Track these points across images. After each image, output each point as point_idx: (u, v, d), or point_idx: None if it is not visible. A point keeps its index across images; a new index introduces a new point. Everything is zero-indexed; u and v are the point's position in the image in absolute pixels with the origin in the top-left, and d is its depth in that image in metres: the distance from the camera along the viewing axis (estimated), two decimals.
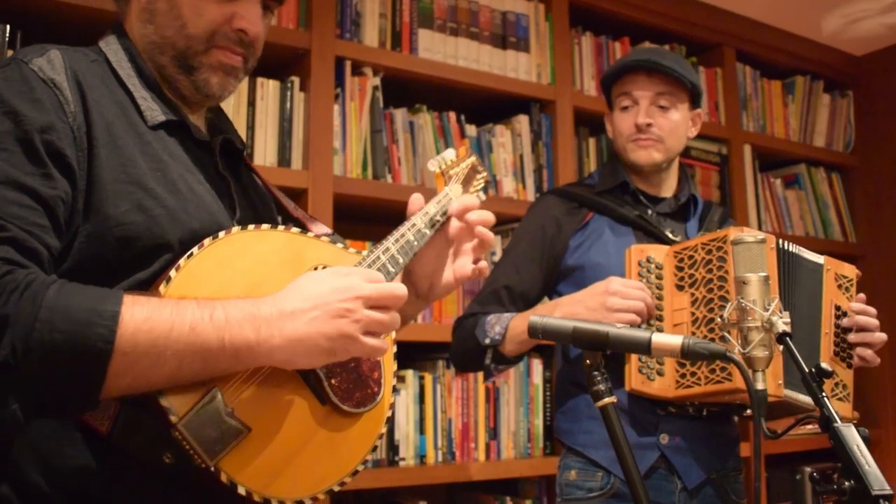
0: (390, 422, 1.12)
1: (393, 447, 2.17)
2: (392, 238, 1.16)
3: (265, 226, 1.05)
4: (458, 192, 1.30)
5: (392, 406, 1.13)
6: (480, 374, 2.32)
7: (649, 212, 1.81)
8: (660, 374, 1.57)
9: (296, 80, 2.19)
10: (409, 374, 2.24)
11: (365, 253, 1.13)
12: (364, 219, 2.41)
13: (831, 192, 3.41)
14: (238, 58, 1.13)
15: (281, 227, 1.07)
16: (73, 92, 0.98)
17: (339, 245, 1.12)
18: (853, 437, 1.00)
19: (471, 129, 2.47)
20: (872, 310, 1.65)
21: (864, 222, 3.42)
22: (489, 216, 1.24)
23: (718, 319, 1.50)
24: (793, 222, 3.23)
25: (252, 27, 1.11)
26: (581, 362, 1.73)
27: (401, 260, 1.15)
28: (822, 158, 3.34)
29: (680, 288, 1.60)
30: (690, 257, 1.60)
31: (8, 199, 0.90)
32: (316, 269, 1.05)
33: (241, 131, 2.09)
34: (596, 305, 1.56)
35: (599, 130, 2.76)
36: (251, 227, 1.04)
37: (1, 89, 0.95)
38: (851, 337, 1.62)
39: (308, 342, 0.94)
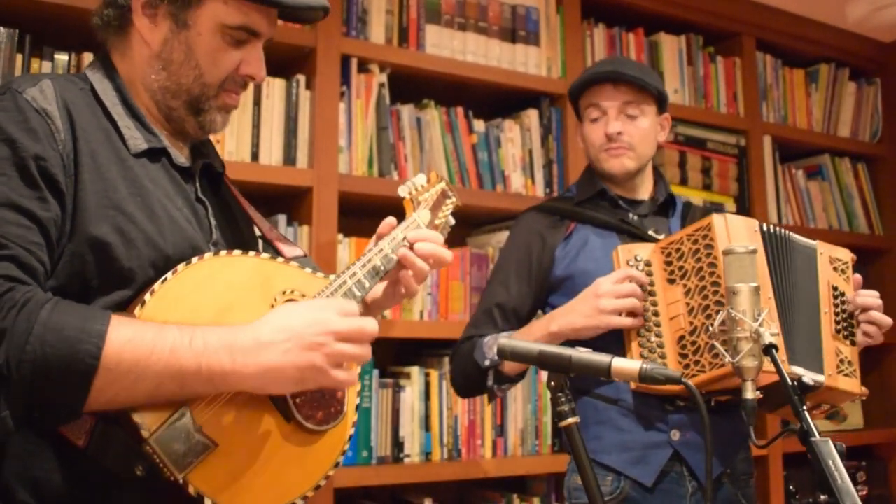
0: (358, 426, 1.15)
1: (398, 444, 2.14)
2: (359, 263, 1.20)
3: (236, 252, 1.09)
4: (427, 217, 1.33)
5: (355, 424, 1.16)
6: None
7: (630, 215, 1.78)
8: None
9: (301, 78, 2.15)
10: (415, 370, 2.20)
11: (332, 277, 1.16)
12: (370, 216, 2.37)
13: (857, 183, 3.26)
14: (238, 97, 1.20)
15: (252, 253, 1.11)
16: (63, 121, 1.03)
17: (308, 270, 1.15)
18: (829, 452, 0.99)
19: (479, 125, 2.41)
20: (874, 291, 1.62)
21: (890, 214, 3.27)
22: (432, 250, 1.26)
23: (715, 305, 1.46)
24: (815, 214, 3.11)
25: (259, 73, 1.17)
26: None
27: (367, 284, 1.19)
28: (846, 148, 3.20)
29: (671, 282, 1.57)
30: (678, 250, 1.57)
31: (8, 220, 0.96)
32: (284, 292, 1.10)
33: (247, 130, 2.06)
34: (589, 311, 1.54)
35: None
36: (223, 253, 1.08)
37: None
38: (861, 317, 1.59)
39: (279, 372, 0.99)
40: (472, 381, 1.70)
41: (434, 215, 1.34)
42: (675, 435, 1.60)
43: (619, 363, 1.07)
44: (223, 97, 1.16)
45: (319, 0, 1.18)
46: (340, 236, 2.14)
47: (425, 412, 2.19)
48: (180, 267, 1.03)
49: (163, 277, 1.01)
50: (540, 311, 1.80)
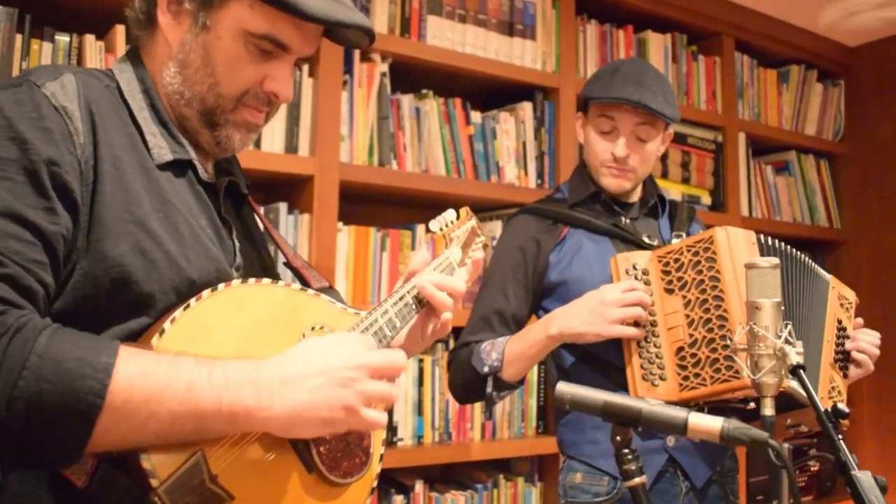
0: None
1: (391, 428, 2.12)
2: (391, 301, 1.08)
3: (265, 280, 0.97)
4: (458, 255, 1.24)
5: (378, 476, 1.04)
6: None
7: (623, 219, 1.73)
8: (662, 378, 1.50)
9: (304, 66, 2.08)
10: None
11: (364, 314, 1.05)
12: (369, 203, 2.34)
13: (819, 178, 3.32)
14: (262, 115, 1.04)
15: (281, 283, 0.99)
16: (84, 122, 0.89)
17: (339, 305, 1.04)
18: (871, 487, 0.95)
19: (475, 116, 2.37)
20: (875, 333, 1.64)
21: (848, 209, 3.35)
22: (456, 291, 1.16)
23: (717, 319, 1.45)
24: (781, 208, 3.16)
25: (284, 90, 1.02)
26: (578, 371, 1.69)
27: (398, 324, 1.08)
28: (811, 146, 3.25)
29: (669, 292, 1.53)
30: (676, 260, 1.53)
31: (7, 233, 0.81)
32: (313, 328, 0.98)
33: None
34: (594, 318, 1.48)
35: None
36: (251, 280, 0.95)
37: (9, 113, 0.85)
38: (853, 349, 1.61)
39: (308, 412, 0.86)
40: (471, 388, 1.62)
41: (464, 254, 1.26)
42: (671, 441, 1.59)
43: (696, 420, 0.96)
44: (242, 112, 1.01)
45: (362, 20, 1.01)
46: (340, 224, 2.09)
47: (418, 397, 2.18)
48: (205, 294, 0.89)
49: (185, 304, 0.88)
50: (533, 316, 1.74)
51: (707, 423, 0.95)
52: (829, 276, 1.62)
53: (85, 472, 0.82)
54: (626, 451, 0.99)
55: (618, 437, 0.99)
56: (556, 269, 1.67)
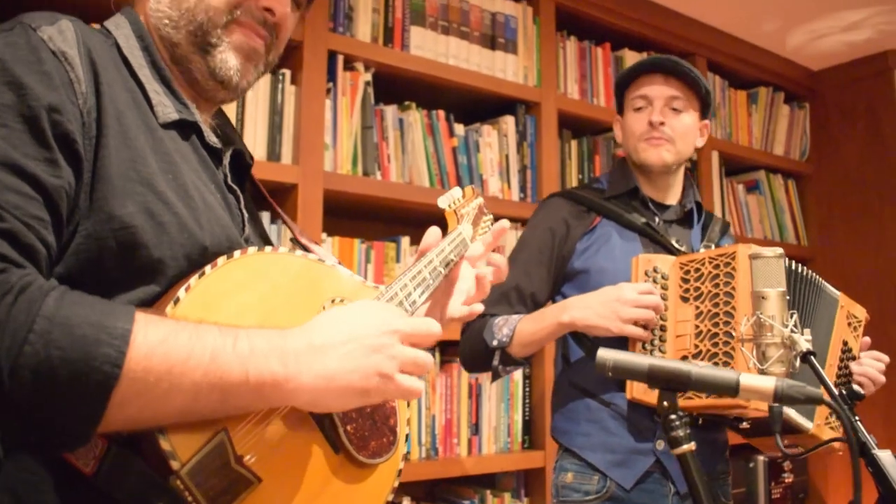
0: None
1: None
2: (409, 275, 1.01)
3: (282, 249, 0.88)
4: (470, 231, 1.20)
5: (405, 457, 0.97)
6: (464, 371, 2.21)
7: (656, 219, 1.71)
8: None
9: (287, 72, 2.02)
10: None
11: (383, 288, 0.98)
12: (352, 215, 2.27)
13: (787, 197, 3.37)
14: (260, 41, 0.95)
15: (299, 252, 0.92)
16: (85, 70, 0.79)
17: (357, 278, 0.97)
18: (892, 464, 0.92)
19: (459, 128, 2.33)
20: (885, 358, 1.60)
21: (815, 227, 3.40)
22: (501, 265, 1.18)
23: (724, 335, 1.41)
24: (753, 226, 3.19)
25: (279, 6, 0.94)
26: (582, 365, 1.67)
27: (418, 299, 1.00)
28: (780, 166, 3.30)
29: (685, 300, 1.51)
30: (697, 270, 1.51)
31: (5, 185, 0.70)
32: (333, 301, 0.90)
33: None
34: (608, 313, 1.48)
35: (581, 133, 2.65)
36: (268, 249, 0.87)
37: (4, 56, 0.75)
38: (857, 374, 1.57)
39: (340, 380, 0.78)
40: (479, 358, 1.64)
41: (474, 231, 1.23)
42: (660, 445, 1.57)
43: (748, 381, 0.91)
44: (237, 31, 0.92)
45: None
46: (324, 236, 2.03)
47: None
48: (220, 261, 0.81)
49: (201, 271, 0.79)
50: (550, 301, 1.73)
51: (760, 383, 0.90)
52: (837, 294, 1.58)
53: (93, 456, 0.72)
54: (674, 416, 0.93)
55: (664, 403, 0.94)
56: (581, 257, 1.67)
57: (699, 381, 0.92)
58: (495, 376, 1.67)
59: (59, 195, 0.74)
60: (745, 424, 1.51)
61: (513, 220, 2.26)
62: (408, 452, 2.06)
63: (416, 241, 2.16)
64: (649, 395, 1.48)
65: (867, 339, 1.62)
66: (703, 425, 1.59)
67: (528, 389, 2.32)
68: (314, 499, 0.84)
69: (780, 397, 0.89)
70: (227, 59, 0.93)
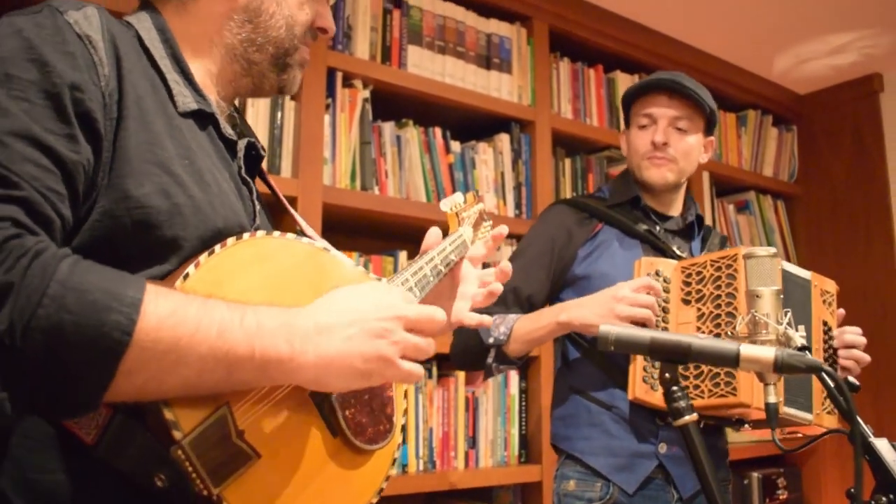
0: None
1: None
2: (410, 271, 1.04)
3: (290, 235, 0.90)
4: (470, 234, 1.23)
5: (400, 446, 0.99)
6: (462, 385, 2.20)
7: (657, 228, 1.73)
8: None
9: None
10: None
11: (385, 281, 1.00)
12: (350, 230, 2.28)
13: (776, 218, 3.41)
14: (309, 51, 1.06)
15: (305, 239, 0.93)
16: (108, 54, 0.82)
17: (361, 269, 0.99)
18: (889, 452, 0.93)
19: (455, 146, 2.36)
20: (858, 328, 1.60)
21: (803, 247, 3.43)
22: (505, 267, 1.21)
23: (725, 336, 1.42)
24: (744, 245, 3.22)
25: (332, 27, 1.06)
26: (581, 367, 1.67)
27: (418, 294, 1.03)
28: (769, 187, 3.34)
29: (686, 302, 1.52)
30: (699, 273, 1.52)
31: (24, 156, 0.72)
32: (338, 287, 0.90)
33: None
34: (604, 311, 1.48)
35: (575, 152, 2.69)
36: (276, 233, 0.88)
37: (30, 35, 0.77)
38: (842, 353, 1.56)
39: (343, 362, 0.79)
40: (472, 355, 1.62)
41: (475, 234, 1.25)
42: (663, 448, 1.57)
43: (748, 351, 0.90)
44: (301, 51, 1.03)
45: None
46: None
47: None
48: (230, 241, 0.83)
49: (210, 249, 0.81)
50: (548, 305, 1.74)
51: (759, 353, 0.90)
52: (808, 274, 1.57)
53: (96, 425, 0.73)
54: (675, 388, 0.94)
55: (666, 375, 0.94)
56: (582, 263, 1.68)
57: (700, 353, 0.92)
58: (487, 374, 1.66)
59: (76, 170, 0.76)
60: (746, 427, 1.51)
61: (508, 236, 2.28)
62: (405, 465, 2.05)
63: (412, 255, 2.17)
64: (651, 396, 1.48)
65: (842, 311, 1.60)
66: (705, 429, 1.59)
67: (524, 403, 2.31)
68: (311, 479, 0.85)
69: (781, 366, 0.88)
70: (297, 76, 1.04)
